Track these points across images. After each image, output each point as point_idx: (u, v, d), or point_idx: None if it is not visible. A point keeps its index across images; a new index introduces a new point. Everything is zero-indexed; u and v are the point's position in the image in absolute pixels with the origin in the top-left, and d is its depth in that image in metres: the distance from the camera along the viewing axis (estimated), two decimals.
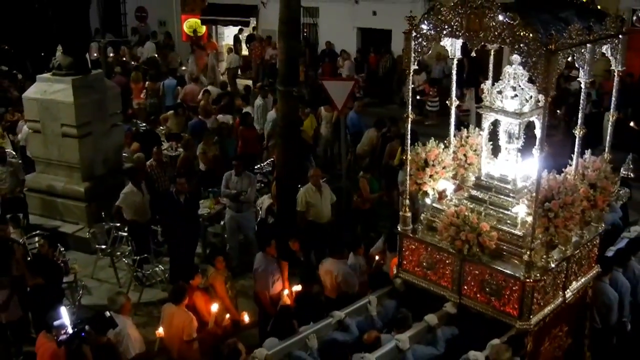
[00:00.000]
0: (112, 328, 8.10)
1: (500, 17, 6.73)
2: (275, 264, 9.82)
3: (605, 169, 8.14)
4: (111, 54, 24.83)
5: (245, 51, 27.51)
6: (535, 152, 7.35)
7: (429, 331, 7.56)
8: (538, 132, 7.42)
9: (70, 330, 7.71)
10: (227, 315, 9.26)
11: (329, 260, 9.78)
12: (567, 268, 7.78)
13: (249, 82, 23.76)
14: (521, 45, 6.60)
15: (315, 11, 26.23)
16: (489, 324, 7.53)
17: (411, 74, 7.72)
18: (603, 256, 8.90)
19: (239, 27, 28.04)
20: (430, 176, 8.17)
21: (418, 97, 21.80)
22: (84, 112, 12.89)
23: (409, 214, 8.25)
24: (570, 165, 7.99)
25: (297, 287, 9.72)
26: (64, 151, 13.06)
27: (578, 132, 7.77)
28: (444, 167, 8.28)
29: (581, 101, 7.84)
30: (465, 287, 7.76)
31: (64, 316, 7.92)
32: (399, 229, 8.33)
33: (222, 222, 13.05)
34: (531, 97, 7.54)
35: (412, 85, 7.80)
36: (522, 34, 6.56)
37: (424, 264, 8.14)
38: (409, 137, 8.09)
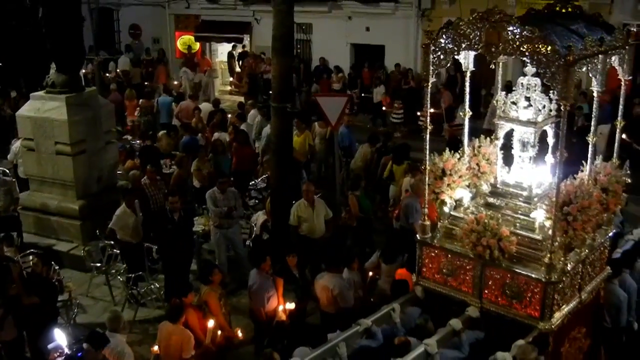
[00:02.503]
0: (105, 345, 8.08)
1: (519, 30, 6.99)
2: (270, 280, 9.81)
3: (616, 173, 8.47)
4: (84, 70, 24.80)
5: (239, 68, 27.61)
6: (548, 159, 7.81)
7: (454, 335, 7.74)
8: (550, 140, 7.81)
9: (67, 351, 7.69)
10: (219, 332, 9.26)
11: (325, 275, 9.78)
12: (583, 270, 8.07)
13: (242, 99, 23.84)
14: (540, 57, 6.88)
15: (309, 27, 26.35)
16: (508, 326, 7.74)
17: (429, 86, 8.05)
18: (612, 258, 9.15)
19: (233, 43, 28.14)
20: (448, 185, 8.40)
21: (384, 109, 22.43)
22: (78, 130, 12.90)
23: (427, 223, 8.50)
24: (582, 171, 8.22)
25: (291, 305, 9.73)
26: (58, 169, 13.05)
27: (591, 140, 8.08)
28: (460, 176, 8.50)
29: (594, 109, 8.23)
30: (486, 292, 8.00)
31: (59, 337, 7.90)
32: (418, 237, 8.54)
33: None
34: (544, 106, 7.82)
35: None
36: (541, 46, 6.84)
37: (444, 270, 8.36)
38: (427, 148, 8.28)
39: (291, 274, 10.26)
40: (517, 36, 7.02)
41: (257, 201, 14.67)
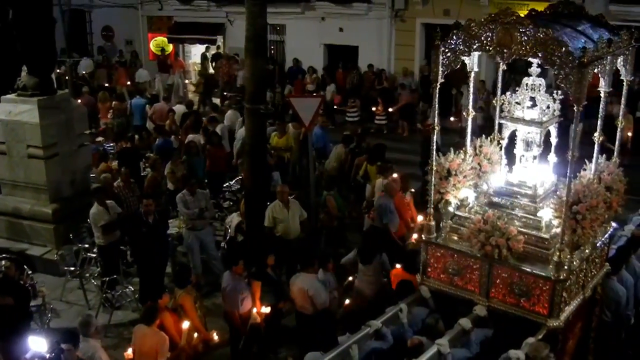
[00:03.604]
0: (78, 342, 8.05)
1: (532, 32, 7.05)
2: (243, 282, 9.80)
3: (618, 172, 8.59)
4: (57, 70, 24.66)
5: (212, 69, 27.53)
6: (551, 159, 8.03)
7: (463, 334, 7.79)
8: (554, 139, 8.01)
9: (47, 356, 7.64)
10: (195, 335, 9.23)
11: (300, 276, 9.78)
12: (586, 267, 8.21)
13: (216, 101, 23.78)
14: (554, 58, 6.94)
15: (282, 28, 26.39)
16: (514, 324, 7.82)
17: (438, 87, 8.01)
18: (610, 255, 9.27)
19: (206, 45, 28.07)
20: (454, 185, 8.45)
21: (335, 108, 22.78)
22: (50, 133, 12.80)
23: (433, 223, 8.52)
24: (585, 169, 8.33)
25: (266, 309, 9.73)
26: (31, 173, 12.94)
27: (597, 139, 8.18)
28: (465, 176, 8.55)
29: (600, 110, 8.23)
30: (494, 290, 8.05)
31: (37, 345, 7.84)
32: (423, 238, 8.57)
33: None
34: (548, 106, 7.94)
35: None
36: (554, 47, 6.91)
37: (450, 270, 8.39)
38: (434, 149, 8.35)
39: (268, 275, 10.26)
40: (531, 38, 7.07)
41: (231, 203, 14.64)
